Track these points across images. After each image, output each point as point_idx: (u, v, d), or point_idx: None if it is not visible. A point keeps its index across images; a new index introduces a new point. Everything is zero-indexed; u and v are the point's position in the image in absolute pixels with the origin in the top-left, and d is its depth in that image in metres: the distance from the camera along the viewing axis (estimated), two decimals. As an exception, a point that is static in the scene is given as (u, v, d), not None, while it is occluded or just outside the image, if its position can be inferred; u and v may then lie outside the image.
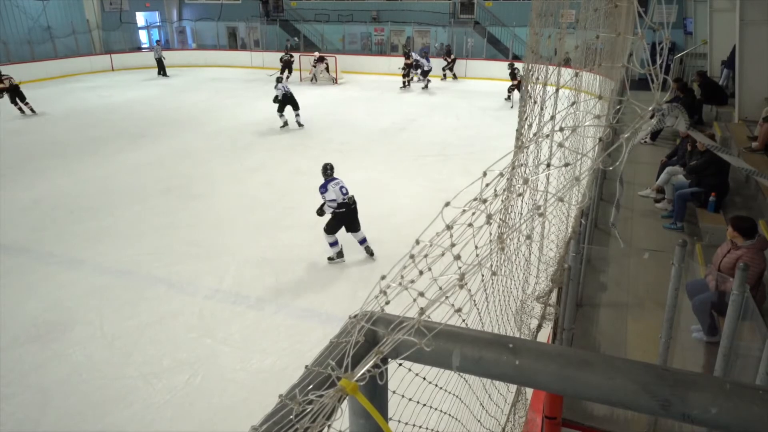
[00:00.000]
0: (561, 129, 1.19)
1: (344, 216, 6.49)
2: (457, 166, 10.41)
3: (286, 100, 13.18)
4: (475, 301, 1.28)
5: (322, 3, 24.87)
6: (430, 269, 1.01)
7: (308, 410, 0.80)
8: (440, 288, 0.95)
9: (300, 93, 18.66)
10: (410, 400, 1.17)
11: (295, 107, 13.34)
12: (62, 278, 6.40)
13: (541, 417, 2.95)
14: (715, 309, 3.70)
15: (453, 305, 0.99)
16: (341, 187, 6.44)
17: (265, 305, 5.92)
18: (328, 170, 6.55)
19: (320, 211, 6.53)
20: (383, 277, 0.99)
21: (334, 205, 6.38)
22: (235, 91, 18.52)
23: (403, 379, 1.13)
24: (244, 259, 6.93)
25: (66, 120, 13.55)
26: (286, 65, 21.22)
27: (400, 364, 1.03)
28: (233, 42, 25.79)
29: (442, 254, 1.01)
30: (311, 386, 0.87)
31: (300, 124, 13.47)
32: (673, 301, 2.58)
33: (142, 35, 25.79)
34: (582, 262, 3.90)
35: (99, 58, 22.52)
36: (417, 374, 1.15)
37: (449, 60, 20.79)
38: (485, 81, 20.28)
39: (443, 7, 23.25)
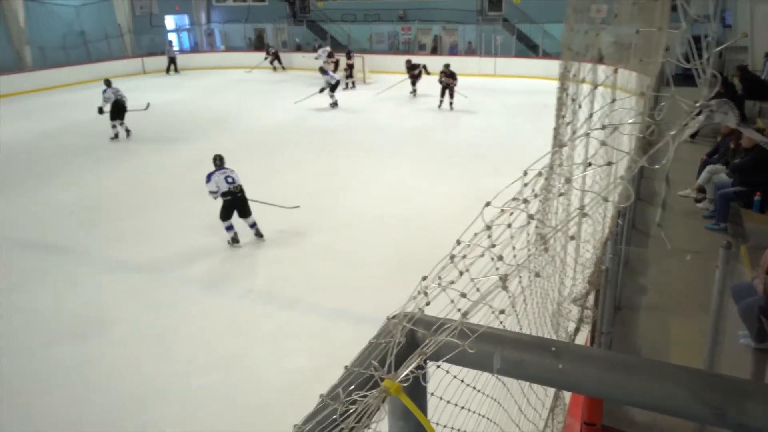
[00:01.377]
0: (603, 127, 1.16)
1: (231, 203, 7.03)
2: (488, 166, 10.27)
3: (117, 108, 12.03)
4: (513, 303, 1.25)
5: (348, 3, 24.98)
6: (467, 270, 0.99)
7: (352, 410, 0.80)
8: (477, 290, 0.94)
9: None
10: (448, 402, 1.16)
11: (122, 116, 12.25)
12: (101, 278, 6.60)
13: (580, 422, 2.88)
14: (763, 314, 3.55)
15: (494, 307, 0.97)
16: (226, 177, 6.95)
17: (296, 305, 5.98)
18: (216, 161, 7.09)
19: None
20: (424, 278, 0.98)
21: (214, 196, 6.99)
22: (263, 93, 18.76)
23: (441, 381, 1.12)
24: (275, 259, 7.02)
25: (102, 122, 13.91)
26: (275, 57, 23.02)
27: (438, 366, 1.02)
28: (260, 43, 26.17)
29: (482, 254, 0.99)
30: (353, 386, 0.87)
31: (127, 130, 12.50)
32: (718, 305, 2.48)
33: (172, 38, 26.38)
34: (620, 263, 3.80)
35: (131, 62, 23.04)
36: (455, 376, 1.13)
37: (414, 74, 17.28)
38: (515, 79, 20.02)
39: (471, 5, 23.00)
